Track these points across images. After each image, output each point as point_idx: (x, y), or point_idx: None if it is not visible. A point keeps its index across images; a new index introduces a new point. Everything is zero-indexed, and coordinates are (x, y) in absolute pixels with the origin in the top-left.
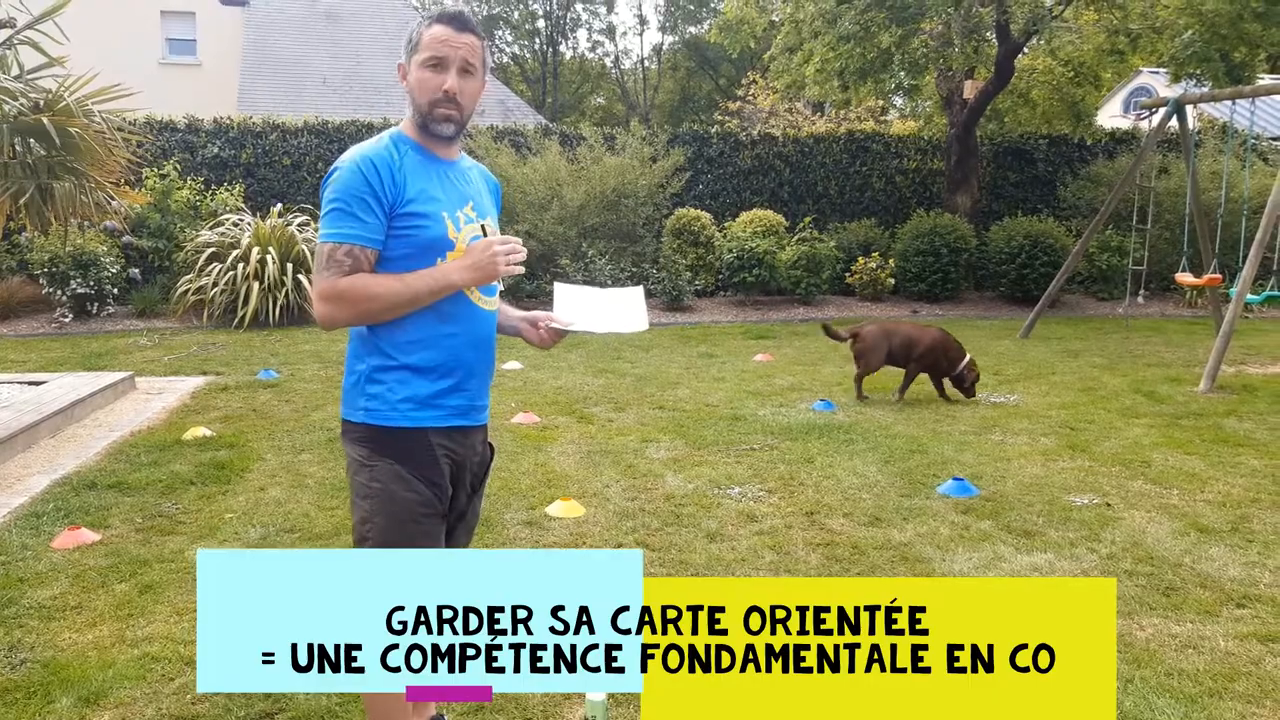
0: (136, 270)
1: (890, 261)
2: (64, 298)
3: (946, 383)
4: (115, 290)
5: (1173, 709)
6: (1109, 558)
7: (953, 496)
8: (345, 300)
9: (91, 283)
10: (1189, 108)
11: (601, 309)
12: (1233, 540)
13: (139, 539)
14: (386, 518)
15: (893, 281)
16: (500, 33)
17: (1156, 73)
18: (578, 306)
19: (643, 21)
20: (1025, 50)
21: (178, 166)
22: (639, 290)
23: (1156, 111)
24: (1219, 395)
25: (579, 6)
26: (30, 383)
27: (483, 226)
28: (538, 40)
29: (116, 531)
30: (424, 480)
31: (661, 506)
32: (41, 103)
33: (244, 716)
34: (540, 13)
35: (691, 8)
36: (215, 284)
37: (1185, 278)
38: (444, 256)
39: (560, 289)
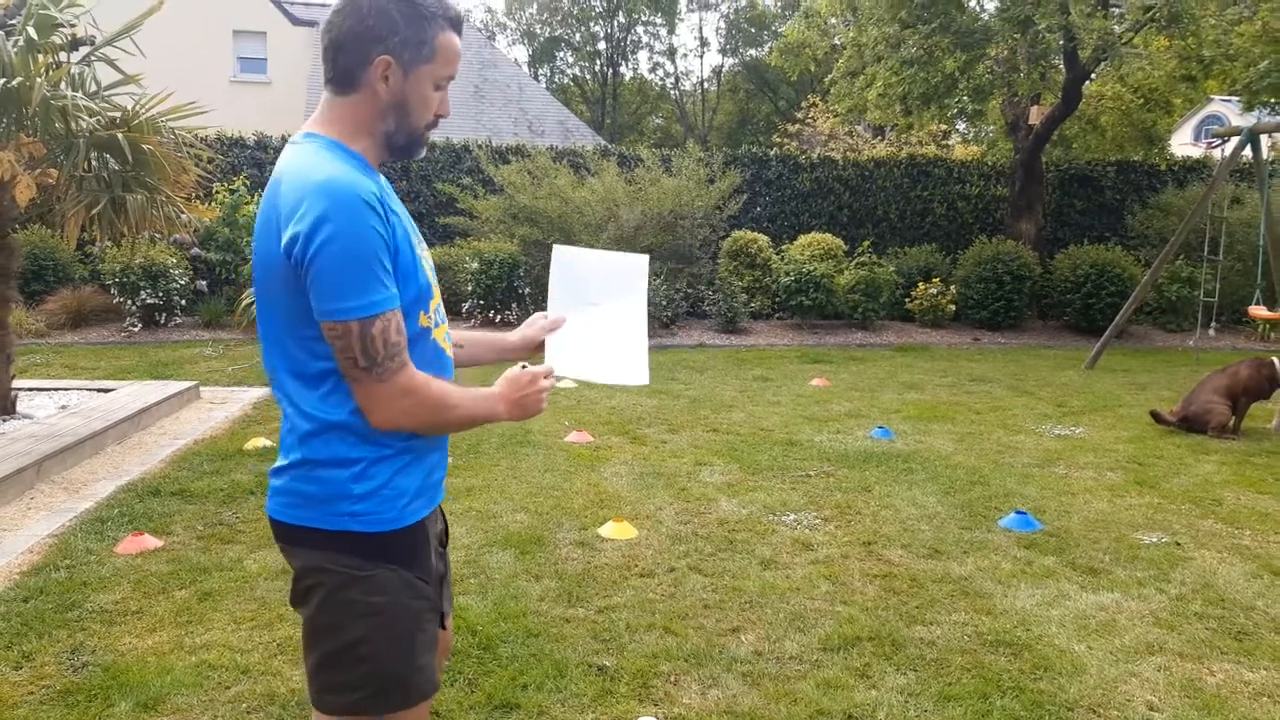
0: (204, 282)
1: (951, 288)
2: (134, 307)
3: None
4: (183, 301)
5: None
6: (1178, 599)
7: (1015, 530)
8: (426, 403)
9: (160, 293)
10: (1263, 137)
11: (598, 329)
12: None
13: (200, 546)
14: (389, 637)
15: (954, 308)
16: (561, 54)
17: (1228, 101)
18: (573, 304)
19: (703, 43)
20: (1093, 76)
21: (247, 181)
22: (643, 260)
23: (1229, 140)
24: None
25: (640, 29)
26: (99, 390)
27: (524, 364)
28: (598, 62)
29: (178, 538)
30: (425, 579)
31: (715, 531)
32: (118, 118)
33: None
34: (601, 35)
35: (752, 30)
36: None
37: (1258, 311)
38: (426, 310)
39: (557, 272)
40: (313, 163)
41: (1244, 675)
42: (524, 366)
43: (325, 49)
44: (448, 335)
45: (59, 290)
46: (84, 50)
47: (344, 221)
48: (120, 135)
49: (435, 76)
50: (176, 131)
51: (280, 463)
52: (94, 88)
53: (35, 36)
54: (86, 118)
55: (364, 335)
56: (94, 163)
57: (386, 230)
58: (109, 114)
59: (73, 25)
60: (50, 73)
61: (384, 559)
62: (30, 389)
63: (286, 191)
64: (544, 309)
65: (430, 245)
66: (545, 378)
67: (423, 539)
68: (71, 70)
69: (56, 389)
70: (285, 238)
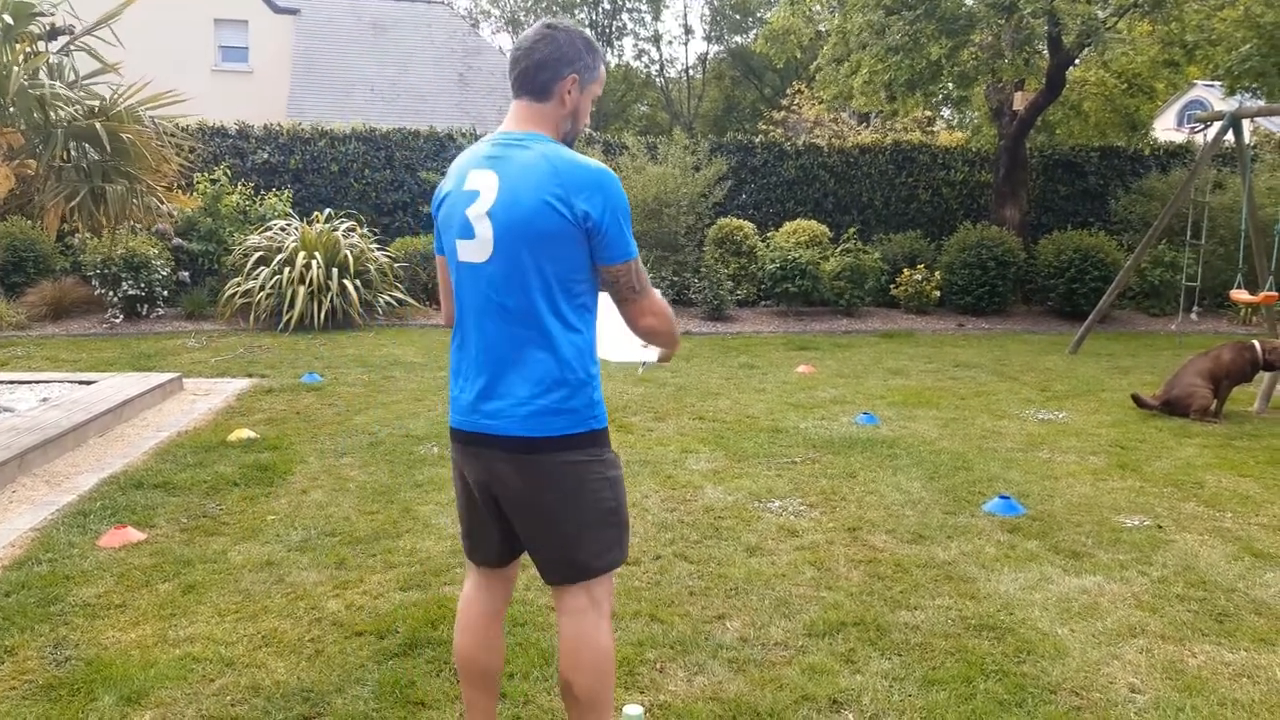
0: (186, 273)
1: (936, 274)
2: (115, 299)
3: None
4: (165, 292)
5: None
6: (1160, 581)
7: (999, 515)
8: (667, 311)
9: (142, 284)
10: (1245, 121)
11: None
12: None
13: (183, 539)
14: (623, 496)
15: (938, 294)
16: None
17: (1211, 86)
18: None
19: (688, 30)
20: (1077, 62)
21: (228, 172)
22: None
23: (1211, 125)
24: (1274, 416)
25: (625, 15)
26: (81, 382)
27: None
28: None
29: (161, 531)
30: None
31: (701, 519)
32: (96, 108)
33: (283, 719)
34: (586, 21)
35: (737, 17)
36: (262, 288)
37: (1240, 295)
38: None
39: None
40: (571, 154)
41: (1224, 656)
42: None
43: (526, 68)
44: None
45: (39, 282)
46: (63, 39)
47: (619, 196)
48: (99, 124)
49: (594, 95)
50: (157, 120)
51: (530, 392)
52: (72, 77)
53: (12, 23)
54: (65, 106)
55: (636, 269)
56: (73, 153)
57: None
58: (88, 103)
59: (50, 14)
60: (27, 60)
61: (608, 445)
62: (11, 382)
63: (566, 174)
64: None
65: (415, 234)
66: None
67: None
68: (50, 59)
69: (38, 381)
70: (579, 210)
